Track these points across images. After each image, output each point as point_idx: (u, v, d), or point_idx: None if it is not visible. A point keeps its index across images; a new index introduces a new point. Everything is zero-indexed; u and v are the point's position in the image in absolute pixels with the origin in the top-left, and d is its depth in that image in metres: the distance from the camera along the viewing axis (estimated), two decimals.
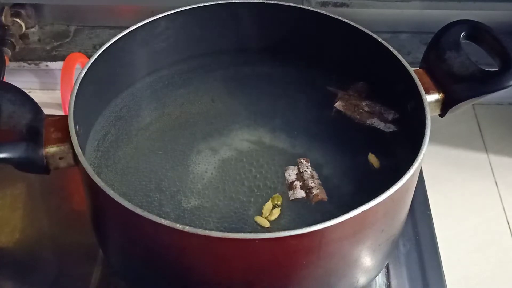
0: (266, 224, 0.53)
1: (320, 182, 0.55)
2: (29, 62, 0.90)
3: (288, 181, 0.55)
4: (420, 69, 0.58)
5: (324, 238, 0.44)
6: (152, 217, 0.43)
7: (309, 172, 0.55)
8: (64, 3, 0.93)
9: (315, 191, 0.54)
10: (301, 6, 0.63)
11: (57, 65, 0.89)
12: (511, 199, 0.77)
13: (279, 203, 0.54)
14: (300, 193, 0.54)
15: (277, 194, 0.55)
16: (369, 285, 0.61)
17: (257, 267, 0.46)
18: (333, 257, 0.48)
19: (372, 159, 0.57)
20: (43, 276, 0.62)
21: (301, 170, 0.56)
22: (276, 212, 0.53)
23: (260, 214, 0.53)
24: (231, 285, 0.48)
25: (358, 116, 0.60)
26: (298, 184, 0.55)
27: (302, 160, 0.56)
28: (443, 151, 0.82)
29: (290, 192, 0.54)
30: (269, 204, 0.54)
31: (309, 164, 0.56)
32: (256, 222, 0.53)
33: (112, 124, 0.60)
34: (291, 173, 0.56)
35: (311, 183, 0.54)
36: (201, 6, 0.63)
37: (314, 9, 0.63)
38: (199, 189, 0.56)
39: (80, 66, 0.84)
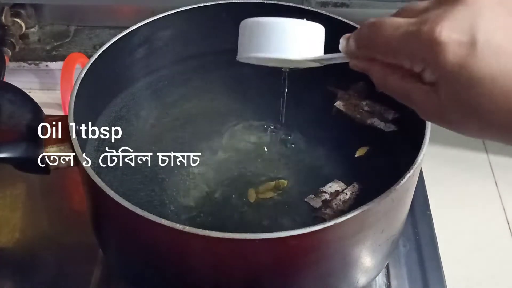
0: (252, 197, 0.53)
1: (344, 210, 0.53)
2: (29, 62, 0.90)
3: (321, 189, 0.54)
4: None
5: (324, 238, 0.44)
6: (152, 217, 0.43)
7: (346, 197, 0.54)
8: (64, 3, 0.93)
9: (327, 211, 0.53)
10: (301, 6, 0.63)
11: (57, 65, 0.89)
12: (511, 199, 0.77)
13: (280, 187, 0.54)
14: (317, 203, 0.53)
15: (283, 180, 0.55)
16: (369, 285, 0.61)
17: (257, 267, 0.46)
18: (333, 257, 0.48)
19: (361, 151, 0.58)
20: (43, 276, 0.62)
21: (344, 190, 0.54)
22: (269, 194, 0.54)
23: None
24: (231, 285, 0.48)
25: (358, 116, 0.60)
26: (325, 196, 0.54)
27: (355, 184, 0.54)
28: (443, 151, 0.82)
29: (311, 195, 0.54)
30: (270, 184, 0.54)
31: (357, 191, 0.54)
32: (247, 192, 0.54)
33: (112, 124, 0.60)
34: (332, 186, 0.54)
35: (335, 205, 0.53)
36: (201, 6, 0.63)
37: (314, 9, 0.63)
38: (199, 189, 0.56)
39: (80, 66, 0.84)
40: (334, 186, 0.54)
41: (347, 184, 0.54)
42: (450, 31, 0.32)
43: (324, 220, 0.50)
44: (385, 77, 0.38)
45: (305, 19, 0.44)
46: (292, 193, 0.55)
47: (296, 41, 0.43)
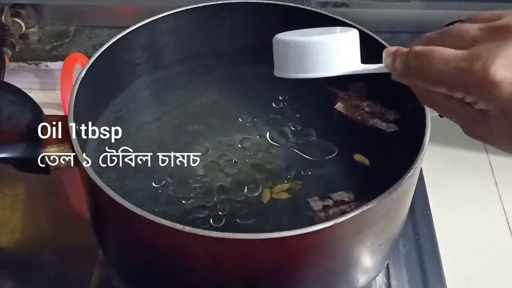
0: (267, 198, 0.54)
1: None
2: (29, 62, 0.90)
3: (329, 194, 0.54)
4: None
5: (324, 238, 0.44)
6: (152, 217, 0.43)
7: (348, 210, 0.53)
8: (64, 3, 0.93)
9: (321, 214, 0.53)
10: (301, 6, 0.63)
11: (57, 65, 0.89)
12: (511, 199, 0.77)
13: (294, 189, 0.55)
14: (317, 206, 0.53)
15: (298, 182, 0.55)
16: (369, 285, 0.61)
17: (257, 267, 0.46)
18: (333, 257, 0.48)
19: (360, 158, 0.58)
20: (43, 276, 0.62)
21: (350, 203, 0.53)
22: (284, 195, 0.54)
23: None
24: (231, 285, 0.48)
25: (359, 117, 0.60)
26: (329, 202, 0.54)
27: (366, 204, 0.54)
28: (443, 151, 0.82)
29: (315, 198, 0.54)
30: (284, 186, 0.55)
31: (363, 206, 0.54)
32: (261, 192, 0.55)
33: (112, 124, 0.60)
34: (341, 195, 0.54)
35: (332, 212, 0.53)
36: (201, 6, 0.63)
37: (314, 9, 0.63)
38: (199, 188, 0.56)
39: (80, 66, 0.84)
40: (342, 195, 0.54)
41: (358, 197, 0.54)
42: (504, 69, 0.33)
43: (312, 220, 0.51)
44: (429, 94, 0.38)
45: (338, 29, 0.44)
46: (299, 196, 0.55)
47: (342, 57, 0.43)
